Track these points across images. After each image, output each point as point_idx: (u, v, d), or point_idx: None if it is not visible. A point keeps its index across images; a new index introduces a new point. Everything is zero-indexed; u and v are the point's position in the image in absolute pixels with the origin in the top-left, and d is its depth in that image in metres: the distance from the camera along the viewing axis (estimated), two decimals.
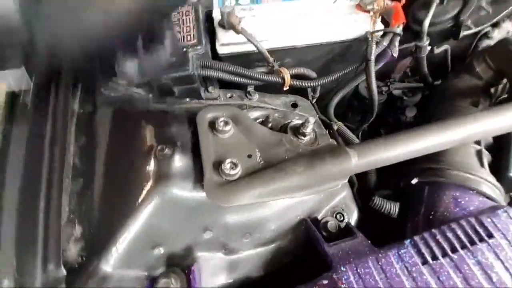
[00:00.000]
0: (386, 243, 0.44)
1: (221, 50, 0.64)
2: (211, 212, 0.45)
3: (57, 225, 0.43)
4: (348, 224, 0.51)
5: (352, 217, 0.54)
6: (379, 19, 0.66)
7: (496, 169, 0.56)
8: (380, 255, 0.42)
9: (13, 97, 0.50)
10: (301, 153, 0.46)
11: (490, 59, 0.63)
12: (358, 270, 0.40)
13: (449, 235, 0.43)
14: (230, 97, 0.62)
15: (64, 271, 0.42)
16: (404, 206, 0.59)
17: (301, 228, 0.50)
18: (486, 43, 0.76)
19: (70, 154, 0.50)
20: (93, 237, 0.45)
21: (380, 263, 0.41)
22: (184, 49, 0.56)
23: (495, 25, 0.75)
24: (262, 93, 0.64)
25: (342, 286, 0.39)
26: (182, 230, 0.45)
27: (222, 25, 0.62)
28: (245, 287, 0.49)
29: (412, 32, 0.72)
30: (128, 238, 0.42)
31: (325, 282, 0.40)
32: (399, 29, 0.64)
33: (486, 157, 0.56)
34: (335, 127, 0.67)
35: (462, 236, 0.42)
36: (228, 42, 0.63)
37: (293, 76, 0.63)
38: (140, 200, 0.42)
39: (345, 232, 0.49)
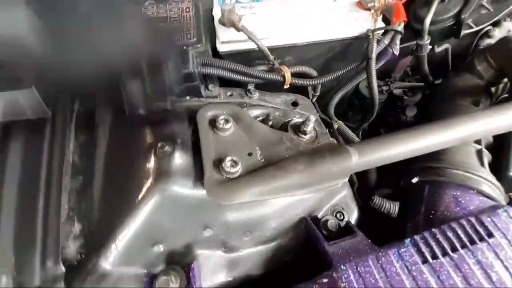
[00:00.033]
0: (386, 242, 0.44)
1: (221, 48, 0.64)
2: (211, 210, 0.45)
3: (56, 222, 0.43)
4: (348, 223, 0.51)
5: (352, 216, 0.54)
6: (380, 17, 0.66)
7: (496, 169, 0.56)
8: (380, 254, 0.42)
9: None
10: (302, 151, 0.46)
11: (492, 57, 0.63)
12: (358, 269, 0.40)
13: (449, 234, 0.43)
14: (230, 95, 0.61)
15: (63, 268, 0.42)
16: (405, 205, 0.59)
17: (301, 226, 0.50)
18: (486, 42, 0.76)
19: (70, 152, 0.50)
20: (92, 235, 0.44)
21: (380, 262, 0.41)
22: (184, 47, 0.56)
23: (496, 24, 0.75)
24: (263, 91, 0.63)
25: (342, 284, 0.39)
26: (182, 227, 0.45)
27: (222, 22, 0.62)
28: (245, 285, 0.49)
29: (413, 31, 0.72)
30: (127, 235, 0.42)
31: (325, 280, 0.40)
32: (400, 27, 0.64)
33: (487, 156, 0.56)
34: (336, 126, 0.67)
35: (462, 236, 0.42)
36: (228, 40, 0.63)
37: (294, 74, 0.63)
38: (140, 197, 0.42)
39: (345, 231, 0.49)
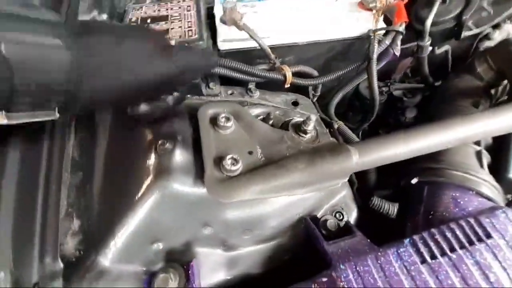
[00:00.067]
0: (386, 242, 0.44)
1: (222, 46, 0.64)
2: (211, 207, 0.45)
3: (55, 218, 0.43)
4: (347, 223, 0.51)
5: (352, 216, 0.54)
6: (381, 18, 0.66)
7: (496, 170, 0.56)
8: (379, 253, 0.42)
9: None
10: (303, 150, 0.46)
11: (492, 59, 0.63)
12: (357, 268, 0.40)
13: (448, 234, 0.43)
14: (231, 94, 0.61)
15: (61, 265, 0.42)
16: (404, 205, 0.59)
17: (301, 226, 0.50)
18: (486, 44, 0.77)
19: (70, 148, 0.49)
20: (91, 231, 0.44)
21: (379, 262, 0.41)
22: (186, 45, 0.56)
23: (496, 26, 0.75)
24: (263, 90, 0.63)
25: (341, 284, 0.39)
26: (182, 225, 0.45)
27: (223, 21, 0.62)
28: (245, 284, 0.49)
29: (414, 32, 0.72)
30: (127, 232, 0.42)
31: (324, 279, 0.40)
32: (401, 28, 0.64)
33: (486, 157, 0.56)
34: (336, 126, 0.67)
35: (461, 236, 0.42)
36: (229, 38, 0.63)
37: (295, 74, 0.63)
38: (140, 194, 0.42)
39: (344, 230, 0.49)
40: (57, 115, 0.35)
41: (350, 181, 0.59)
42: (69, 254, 0.43)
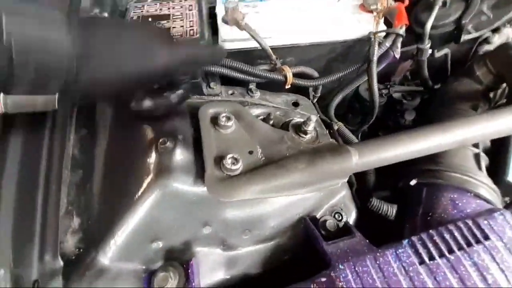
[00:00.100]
0: (384, 243, 0.44)
1: (224, 46, 0.64)
2: (211, 207, 0.45)
3: (55, 216, 0.43)
4: (346, 223, 0.52)
5: (351, 217, 0.54)
6: (382, 20, 0.66)
7: (494, 172, 0.56)
8: (378, 254, 0.42)
9: None
10: (303, 150, 0.46)
11: (491, 63, 0.63)
12: (356, 269, 0.41)
13: (446, 236, 0.43)
14: (231, 94, 0.62)
15: (61, 262, 0.42)
16: (402, 206, 0.59)
17: (300, 226, 0.50)
18: (486, 48, 0.77)
19: (70, 145, 0.49)
20: (91, 229, 0.44)
21: (378, 262, 0.41)
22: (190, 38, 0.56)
23: (495, 30, 0.76)
24: (264, 91, 0.64)
25: (340, 284, 0.39)
26: (182, 224, 0.45)
27: (225, 21, 0.62)
28: (244, 284, 0.49)
29: (414, 35, 0.72)
30: (127, 231, 0.42)
31: (323, 279, 0.40)
32: (402, 30, 0.64)
33: (484, 160, 0.57)
34: (336, 127, 0.67)
35: (459, 238, 0.43)
36: (230, 38, 0.63)
37: (295, 75, 0.63)
38: (140, 193, 0.42)
39: (343, 231, 0.49)
40: (56, 101, 0.35)
41: (349, 182, 0.60)
42: (69, 252, 0.43)
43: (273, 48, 0.62)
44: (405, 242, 0.43)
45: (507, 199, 0.61)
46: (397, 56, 0.65)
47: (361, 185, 0.63)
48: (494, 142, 0.59)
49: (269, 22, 0.64)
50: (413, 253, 0.42)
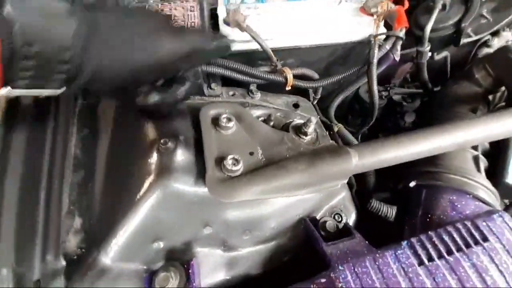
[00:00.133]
0: (384, 244, 0.44)
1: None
2: (212, 207, 0.45)
3: (57, 216, 0.43)
4: (346, 224, 0.52)
5: (351, 218, 0.54)
6: (382, 23, 0.67)
7: (493, 175, 0.57)
8: (377, 255, 0.42)
9: None
10: (303, 152, 0.47)
11: (490, 66, 0.64)
12: (356, 270, 0.41)
13: (445, 237, 0.43)
14: (232, 95, 0.62)
15: (63, 262, 0.42)
16: (402, 208, 0.60)
17: (300, 227, 0.51)
18: (485, 51, 0.78)
19: (72, 145, 0.49)
20: (93, 229, 0.44)
21: (377, 263, 0.41)
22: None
23: (495, 33, 0.76)
24: (264, 92, 0.64)
25: (340, 285, 0.39)
26: (183, 224, 0.45)
27: (227, 22, 0.62)
28: (244, 285, 0.49)
29: (413, 37, 0.73)
30: (128, 231, 0.42)
31: (323, 280, 0.40)
32: (401, 33, 0.65)
33: (483, 162, 0.57)
34: (336, 129, 0.68)
35: (458, 239, 0.43)
36: (232, 40, 0.64)
37: (296, 76, 0.64)
38: (141, 193, 0.42)
39: (343, 232, 0.50)
40: (60, 90, 0.34)
41: (349, 183, 0.60)
42: (71, 252, 0.43)
43: (274, 50, 0.62)
44: (404, 243, 0.43)
45: (506, 201, 0.61)
46: (397, 58, 0.66)
47: (361, 187, 0.63)
48: (493, 144, 0.60)
49: (270, 24, 0.65)
50: (412, 254, 0.42)
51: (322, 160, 0.44)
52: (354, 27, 0.67)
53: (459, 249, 0.42)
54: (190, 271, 0.43)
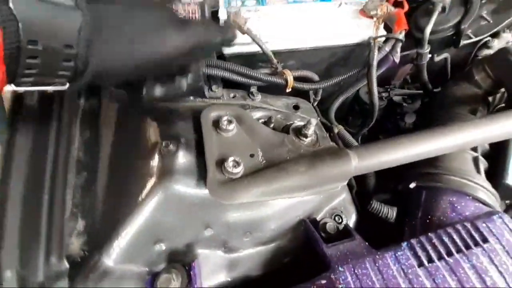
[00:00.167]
0: (384, 245, 0.45)
1: (226, 49, 0.65)
2: (213, 209, 0.46)
3: (60, 218, 0.44)
4: (346, 226, 0.52)
5: (351, 220, 0.54)
6: (382, 25, 0.67)
7: (492, 176, 0.57)
8: (377, 256, 0.42)
9: (19, 94, 0.50)
10: (303, 154, 0.47)
11: (489, 68, 0.64)
12: (356, 271, 0.41)
13: (445, 239, 0.44)
14: (233, 97, 0.62)
15: (66, 265, 0.42)
16: (402, 209, 0.60)
17: (301, 228, 0.51)
18: (485, 52, 0.78)
19: (75, 148, 0.50)
20: (95, 231, 0.45)
21: (377, 265, 0.42)
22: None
23: (495, 35, 0.76)
24: (265, 94, 0.64)
25: (340, 286, 0.40)
26: (184, 226, 0.45)
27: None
28: (245, 286, 0.49)
29: (413, 39, 0.73)
30: (130, 233, 0.42)
31: (323, 282, 0.40)
32: (401, 35, 0.65)
33: (483, 163, 0.57)
34: (336, 130, 0.68)
35: (458, 240, 0.43)
36: (233, 42, 0.64)
37: (296, 78, 0.64)
38: (143, 195, 0.42)
39: (343, 233, 0.50)
40: (66, 86, 0.33)
41: (349, 185, 0.60)
42: (74, 254, 0.43)
43: (274, 52, 0.63)
44: (404, 244, 0.43)
45: (508, 202, 0.61)
46: (397, 60, 0.66)
47: (361, 188, 0.64)
48: (493, 145, 0.60)
49: (271, 26, 0.65)
50: (412, 255, 0.42)
51: (322, 162, 0.44)
52: (354, 30, 0.67)
53: (459, 250, 0.42)
54: (191, 272, 0.43)
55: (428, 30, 0.68)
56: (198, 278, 0.43)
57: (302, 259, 0.51)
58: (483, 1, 0.73)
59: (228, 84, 0.63)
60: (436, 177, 0.55)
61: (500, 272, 0.41)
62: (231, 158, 0.43)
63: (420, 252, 0.42)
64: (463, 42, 0.73)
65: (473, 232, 0.44)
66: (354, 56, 0.71)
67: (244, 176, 0.43)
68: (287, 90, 0.64)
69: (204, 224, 0.47)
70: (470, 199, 0.51)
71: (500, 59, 0.63)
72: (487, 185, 0.54)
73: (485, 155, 0.59)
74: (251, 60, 0.66)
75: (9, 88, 0.32)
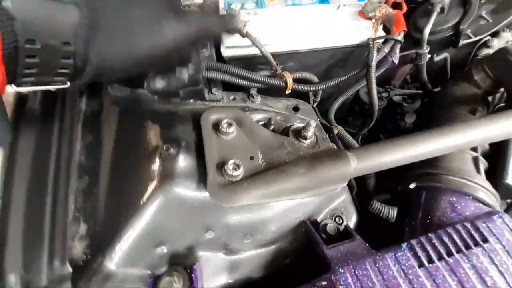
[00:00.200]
0: (384, 246, 0.45)
1: (226, 52, 0.65)
2: (213, 212, 0.46)
3: (63, 222, 0.44)
4: (346, 227, 0.52)
5: (351, 220, 0.54)
6: (380, 27, 0.68)
7: (492, 176, 0.57)
8: (377, 257, 0.42)
9: (22, 98, 0.51)
10: (302, 156, 0.47)
11: (489, 68, 0.64)
12: (356, 272, 0.41)
13: (445, 239, 0.44)
14: (233, 99, 0.62)
15: (69, 268, 0.43)
16: (402, 210, 0.60)
17: (301, 230, 0.51)
18: (485, 52, 0.78)
19: (77, 153, 0.50)
20: (98, 235, 0.45)
21: (377, 265, 0.42)
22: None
23: (495, 34, 0.76)
24: (264, 96, 0.65)
25: (340, 287, 0.40)
26: (185, 229, 0.46)
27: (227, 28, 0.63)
28: None
29: (412, 40, 0.73)
30: (132, 236, 0.43)
31: (324, 283, 0.41)
32: (400, 37, 0.65)
33: (483, 163, 0.57)
34: (336, 131, 0.68)
35: (458, 241, 0.43)
36: (232, 45, 0.64)
37: (296, 80, 0.64)
38: (144, 198, 0.43)
39: (343, 234, 0.50)
40: (68, 84, 0.33)
41: (349, 185, 0.60)
42: (77, 258, 0.44)
43: (273, 54, 0.63)
44: (404, 245, 0.44)
45: (509, 201, 0.61)
46: (396, 61, 0.66)
47: (361, 188, 0.64)
48: (493, 145, 0.60)
49: (270, 29, 0.65)
50: (412, 256, 0.42)
51: (321, 164, 0.44)
52: (353, 31, 0.68)
53: (459, 251, 0.42)
54: (193, 275, 0.43)
55: (427, 31, 0.68)
56: (199, 280, 0.43)
57: (302, 260, 0.52)
58: (482, 1, 0.73)
59: (228, 87, 0.63)
60: (436, 177, 0.55)
61: (501, 272, 0.41)
62: (231, 161, 0.43)
63: (420, 253, 0.42)
64: (463, 41, 0.73)
65: (473, 232, 0.44)
66: (353, 57, 0.71)
67: (244, 179, 0.43)
68: (287, 92, 0.64)
69: (205, 227, 0.47)
70: (470, 199, 0.51)
71: (499, 59, 0.63)
72: (487, 185, 0.54)
73: (485, 155, 0.59)
74: (250, 62, 0.66)
75: (12, 91, 0.32)
